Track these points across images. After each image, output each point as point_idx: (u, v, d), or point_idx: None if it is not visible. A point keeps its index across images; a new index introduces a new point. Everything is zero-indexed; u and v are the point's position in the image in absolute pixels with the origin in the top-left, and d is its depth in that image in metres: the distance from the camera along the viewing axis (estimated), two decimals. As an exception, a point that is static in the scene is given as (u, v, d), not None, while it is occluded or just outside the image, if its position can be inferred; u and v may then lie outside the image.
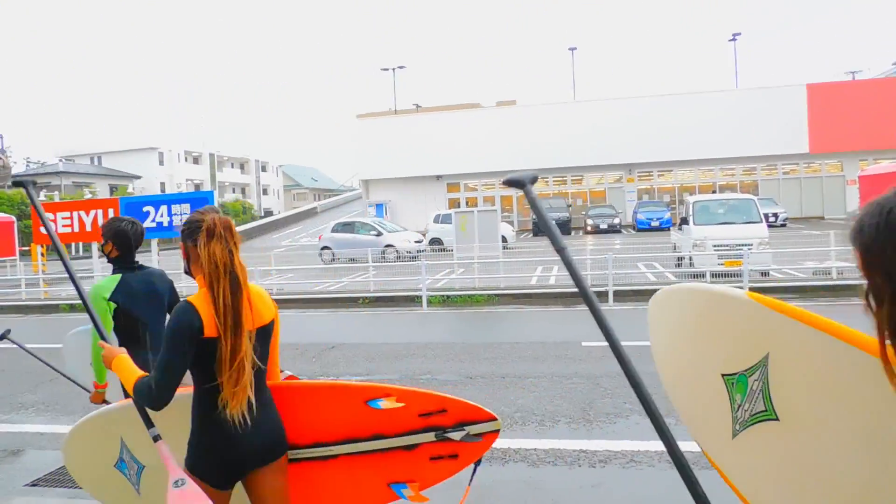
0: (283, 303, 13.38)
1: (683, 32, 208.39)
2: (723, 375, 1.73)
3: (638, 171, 35.85)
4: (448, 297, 12.60)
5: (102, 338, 2.53)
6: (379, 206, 36.35)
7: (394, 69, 47.32)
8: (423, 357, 7.90)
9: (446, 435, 2.29)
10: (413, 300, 12.46)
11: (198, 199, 15.74)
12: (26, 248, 20.26)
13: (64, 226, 15.04)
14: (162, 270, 3.52)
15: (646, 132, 32.45)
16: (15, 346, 4.37)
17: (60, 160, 54.50)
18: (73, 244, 27.63)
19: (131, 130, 59.40)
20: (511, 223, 31.44)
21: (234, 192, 65.86)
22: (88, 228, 14.96)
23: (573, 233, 30.76)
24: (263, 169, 72.38)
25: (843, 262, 12.30)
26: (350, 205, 55.46)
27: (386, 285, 14.34)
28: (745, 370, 1.65)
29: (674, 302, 2.03)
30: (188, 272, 2.25)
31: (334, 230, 24.00)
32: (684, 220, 14.50)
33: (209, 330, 2.05)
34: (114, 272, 3.31)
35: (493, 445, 4.53)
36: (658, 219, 29.18)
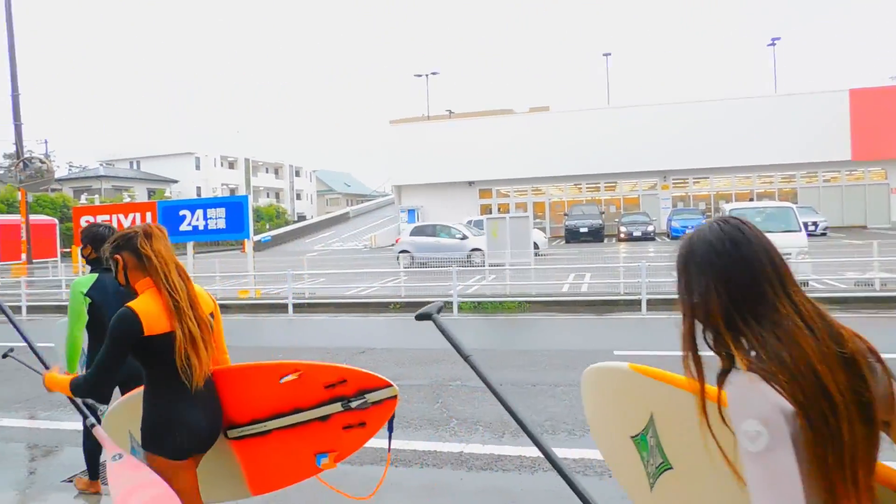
0: (315, 307, 13.54)
1: (720, 37, 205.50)
2: (631, 437, 1.93)
3: (673, 178, 35.38)
4: (479, 303, 12.56)
5: (42, 363, 2.86)
6: (411, 212, 36.50)
7: (427, 75, 47.61)
8: (453, 363, 7.87)
9: (350, 404, 2.51)
10: (444, 306, 12.44)
11: (233, 202, 15.98)
12: (67, 250, 20.79)
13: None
14: None
15: (681, 138, 32.02)
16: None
17: (101, 165, 55.98)
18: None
19: (169, 135, 60.80)
20: (543, 230, 31.26)
21: (268, 196, 66.83)
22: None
23: (606, 240, 30.45)
24: (297, 174, 73.30)
25: (886, 273, 11.91)
26: (382, 210, 55.77)
27: (417, 291, 14.37)
28: (643, 430, 1.87)
29: (588, 380, 2.19)
30: (126, 283, 2.43)
31: (413, 234, 22.70)
32: (720, 229, 14.19)
33: (150, 329, 2.26)
34: (91, 271, 3.75)
35: (523, 454, 4.51)
36: (693, 227, 28.59)
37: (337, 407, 2.52)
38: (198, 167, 58.12)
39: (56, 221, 20.65)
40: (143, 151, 58.36)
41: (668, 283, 13.59)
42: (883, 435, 1.21)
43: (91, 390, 2.33)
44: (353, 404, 2.50)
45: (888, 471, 1.31)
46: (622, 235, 29.90)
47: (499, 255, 15.02)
